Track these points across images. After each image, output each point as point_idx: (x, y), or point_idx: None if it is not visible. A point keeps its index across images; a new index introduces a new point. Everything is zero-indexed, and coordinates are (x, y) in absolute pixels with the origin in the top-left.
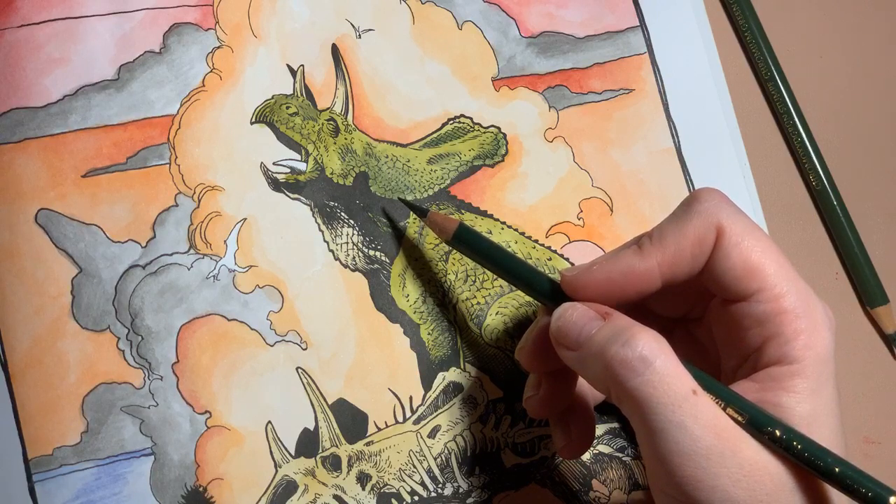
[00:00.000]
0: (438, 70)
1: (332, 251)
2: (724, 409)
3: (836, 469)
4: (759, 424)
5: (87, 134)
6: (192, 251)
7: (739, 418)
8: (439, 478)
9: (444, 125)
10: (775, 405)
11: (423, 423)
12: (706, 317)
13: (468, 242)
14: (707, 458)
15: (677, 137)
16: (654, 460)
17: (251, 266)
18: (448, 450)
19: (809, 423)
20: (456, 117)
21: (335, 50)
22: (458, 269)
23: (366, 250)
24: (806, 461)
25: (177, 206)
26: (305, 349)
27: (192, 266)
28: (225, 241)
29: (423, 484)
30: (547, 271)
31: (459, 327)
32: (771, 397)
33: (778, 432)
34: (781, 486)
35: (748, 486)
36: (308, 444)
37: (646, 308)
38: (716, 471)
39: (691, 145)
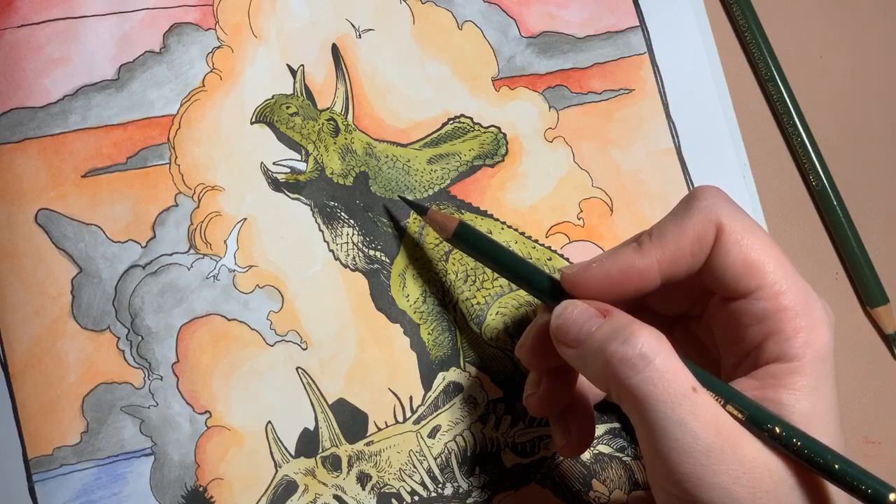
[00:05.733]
0: (438, 70)
1: (332, 251)
2: (723, 407)
3: (836, 466)
4: (759, 421)
5: (87, 134)
6: (192, 251)
7: (739, 415)
8: (439, 478)
9: (444, 125)
10: (775, 402)
11: (423, 423)
12: (706, 314)
13: (468, 240)
14: (707, 455)
15: (677, 137)
16: (654, 457)
17: (251, 266)
18: (448, 450)
19: (809, 420)
20: (456, 117)
21: (335, 50)
22: (458, 269)
23: (366, 250)
24: (805, 458)
25: (177, 206)
26: (305, 349)
27: (192, 266)
28: (225, 241)
29: (423, 484)
30: (547, 271)
31: (459, 327)
32: (771, 394)
33: (777, 429)
34: (781, 483)
35: (748, 483)
36: (308, 444)
37: (646, 306)
38: (715, 468)
39: (691, 145)
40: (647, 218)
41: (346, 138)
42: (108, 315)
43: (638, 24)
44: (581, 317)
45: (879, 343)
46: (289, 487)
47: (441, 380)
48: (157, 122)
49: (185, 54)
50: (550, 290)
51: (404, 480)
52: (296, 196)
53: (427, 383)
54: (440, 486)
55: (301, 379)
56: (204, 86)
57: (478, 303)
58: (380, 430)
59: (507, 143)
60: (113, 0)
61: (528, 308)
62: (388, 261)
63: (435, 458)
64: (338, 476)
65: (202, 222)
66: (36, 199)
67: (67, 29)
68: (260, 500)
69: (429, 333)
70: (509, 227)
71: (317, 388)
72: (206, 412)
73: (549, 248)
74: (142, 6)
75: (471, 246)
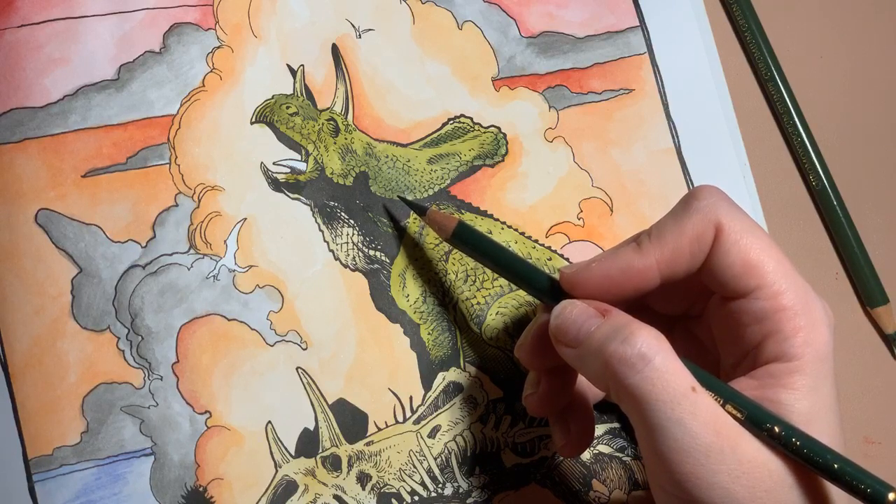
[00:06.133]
0: (438, 70)
1: (332, 251)
2: (723, 406)
3: (835, 465)
4: (758, 421)
5: (87, 134)
6: (192, 251)
7: (738, 415)
8: (439, 478)
9: (444, 125)
10: (774, 402)
11: (423, 423)
12: (705, 314)
13: (468, 240)
14: (706, 454)
15: (677, 137)
16: (654, 457)
17: (251, 266)
18: (448, 450)
19: (808, 419)
20: (456, 117)
21: (335, 50)
22: (458, 269)
23: (366, 250)
24: (805, 458)
25: (177, 206)
26: (305, 349)
27: (192, 266)
28: (225, 241)
29: (423, 484)
30: (547, 271)
31: (459, 327)
32: (770, 394)
33: (777, 429)
34: (780, 482)
35: (747, 482)
36: (308, 444)
37: (645, 306)
38: (715, 467)
39: (691, 145)
40: (647, 218)
41: (346, 138)
42: (108, 315)
43: (638, 24)
44: (580, 316)
45: (879, 343)
46: (289, 487)
47: (441, 380)
48: (157, 122)
49: (185, 54)
50: (550, 289)
51: (404, 480)
52: (296, 196)
53: (427, 383)
54: (440, 486)
55: (301, 379)
56: (204, 86)
57: (478, 303)
58: (380, 430)
59: (507, 143)
60: (113, 0)
61: (528, 308)
62: (388, 261)
63: (435, 458)
64: (338, 476)
65: (202, 222)
66: (36, 199)
67: (67, 29)
68: (260, 500)
69: (429, 333)
70: (509, 227)
71: (317, 388)
72: (206, 412)
73: (549, 248)
74: (142, 6)
75: (470, 246)
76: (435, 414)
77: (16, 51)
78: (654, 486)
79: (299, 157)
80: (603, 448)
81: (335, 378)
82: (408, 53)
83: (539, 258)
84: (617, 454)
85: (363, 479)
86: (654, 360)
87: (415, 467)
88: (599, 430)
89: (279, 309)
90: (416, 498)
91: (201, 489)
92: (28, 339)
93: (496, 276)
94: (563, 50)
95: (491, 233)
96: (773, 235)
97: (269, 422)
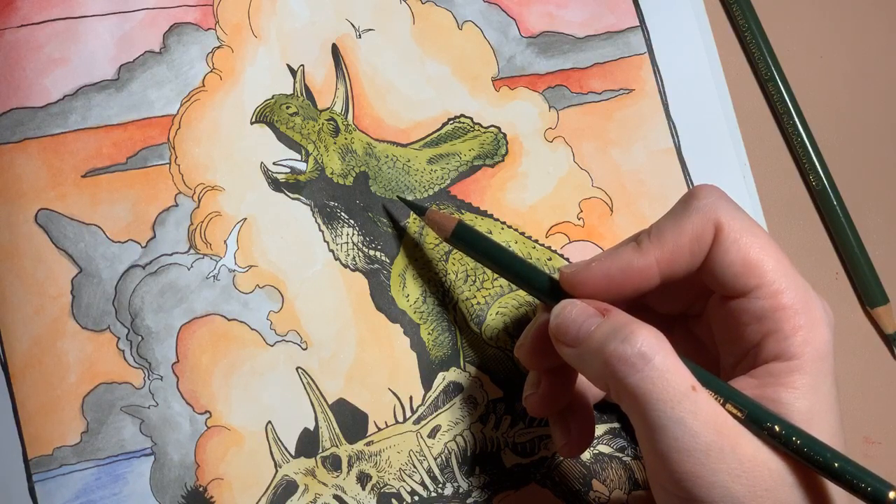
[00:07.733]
0: (438, 70)
1: (332, 251)
2: (723, 405)
3: (836, 464)
4: (758, 420)
5: (87, 134)
6: (192, 251)
7: (738, 414)
8: (439, 478)
9: (444, 125)
10: (774, 401)
11: (423, 423)
12: (705, 313)
13: (467, 240)
14: (706, 454)
15: (677, 137)
16: (654, 456)
17: (251, 266)
18: (448, 450)
19: (808, 418)
20: (456, 117)
21: (335, 50)
22: (458, 269)
23: (366, 250)
24: (805, 456)
25: (177, 206)
26: (305, 349)
27: (192, 266)
28: (225, 241)
29: (423, 484)
30: (547, 271)
31: (459, 327)
32: (770, 393)
33: (777, 428)
34: (781, 481)
35: (747, 481)
36: (308, 444)
37: (645, 305)
38: (715, 466)
39: (691, 145)
40: (647, 218)
41: (346, 138)
42: (108, 315)
43: (638, 24)
44: (580, 316)
45: (879, 343)
46: (289, 487)
47: (441, 380)
48: (157, 122)
49: (185, 54)
50: (549, 289)
51: (404, 480)
52: (296, 196)
53: (427, 383)
54: (440, 486)
55: (301, 379)
56: (204, 86)
57: (478, 303)
58: (380, 430)
59: (507, 143)
60: (113, 0)
61: (528, 308)
62: (388, 261)
63: (435, 458)
64: (338, 476)
65: (202, 222)
66: (36, 199)
67: (67, 29)
68: (260, 500)
69: (429, 333)
70: (509, 227)
71: (317, 388)
72: (206, 412)
73: (549, 248)
74: (142, 6)
75: (470, 246)
76: (435, 414)
77: (16, 51)
78: (655, 485)
79: (299, 157)
80: (603, 448)
81: (335, 378)
82: (408, 53)
83: (539, 258)
84: (617, 454)
85: (363, 479)
86: (654, 359)
87: (415, 467)
88: (599, 430)
89: (279, 309)
90: (416, 498)
91: (201, 489)
92: (28, 339)
93: (496, 276)
94: (563, 50)
95: (491, 233)
96: (773, 235)
97: (269, 422)
